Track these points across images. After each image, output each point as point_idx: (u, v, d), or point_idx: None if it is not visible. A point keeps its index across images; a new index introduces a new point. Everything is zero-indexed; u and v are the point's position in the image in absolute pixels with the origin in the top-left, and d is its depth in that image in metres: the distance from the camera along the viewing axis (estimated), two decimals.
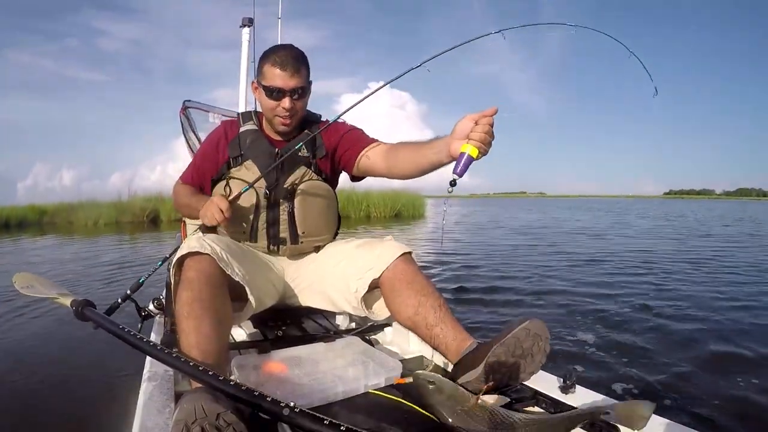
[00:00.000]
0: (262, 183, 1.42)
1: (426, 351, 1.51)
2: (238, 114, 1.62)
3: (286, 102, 1.40)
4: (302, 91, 1.42)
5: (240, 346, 1.47)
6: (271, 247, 1.47)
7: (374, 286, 1.35)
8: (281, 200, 1.44)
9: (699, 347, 2.67)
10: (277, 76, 1.37)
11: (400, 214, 17.02)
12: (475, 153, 1.05)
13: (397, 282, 1.29)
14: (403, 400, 1.12)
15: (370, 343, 1.52)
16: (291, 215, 1.45)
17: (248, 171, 1.45)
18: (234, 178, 1.45)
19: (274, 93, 1.39)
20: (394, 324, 1.58)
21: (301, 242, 1.48)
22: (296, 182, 1.45)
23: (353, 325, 1.67)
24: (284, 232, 1.46)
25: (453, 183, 1.06)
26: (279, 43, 1.48)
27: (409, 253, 1.35)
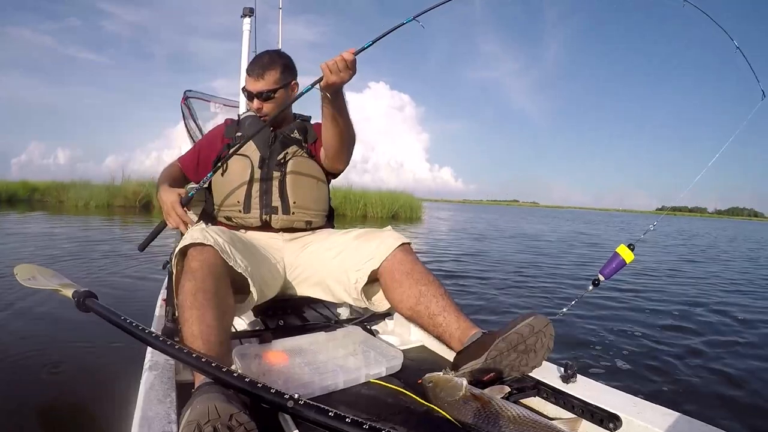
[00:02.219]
0: (257, 155, 1.55)
1: (427, 340, 1.52)
2: (239, 115, 1.73)
3: (255, 103, 1.56)
4: (268, 94, 1.55)
5: (241, 336, 1.47)
6: (264, 216, 1.53)
7: (374, 277, 1.36)
8: (273, 171, 1.54)
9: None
10: (247, 81, 1.56)
11: (397, 215, 16.78)
12: (630, 258, 0.96)
13: (396, 273, 1.30)
14: (403, 390, 1.13)
15: (371, 332, 1.53)
16: (282, 184, 1.54)
17: (245, 147, 1.54)
18: (232, 154, 1.54)
19: (247, 95, 1.58)
20: (395, 313, 1.58)
21: (293, 212, 1.55)
22: (287, 155, 1.56)
23: (354, 314, 1.67)
24: (276, 201, 1.53)
25: (596, 283, 0.96)
26: (280, 34, 1.53)
27: (408, 243, 1.36)
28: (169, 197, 1.40)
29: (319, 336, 1.41)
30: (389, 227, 1.42)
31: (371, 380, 1.19)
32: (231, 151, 1.47)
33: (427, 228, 13.12)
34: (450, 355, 1.32)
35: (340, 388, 1.15)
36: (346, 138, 1.46)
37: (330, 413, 0.66)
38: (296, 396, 0.71)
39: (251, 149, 1.55)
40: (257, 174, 1.53)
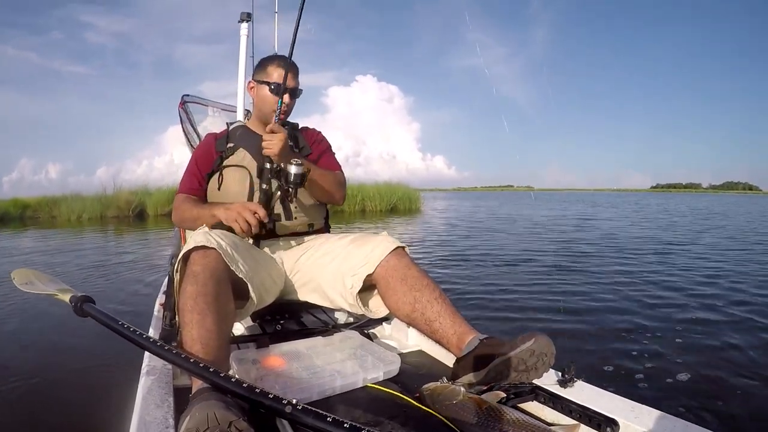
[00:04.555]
0: (254, 164, 1.53)
1: (425, 344, 1.52)
2: (227, 124, 1.72)
3: (286, 98, 1.53)
4: (300, 91, 1.59)
5: (239, 341, 1.47)
6: (267, 224, 1.49)
7: (370, 282, 1.36)
8: (273, 180, 1.51)
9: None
10: (283, 76, 1.50)
11: (396, 208, 16.65)
12: None
13: (391, 279, 1.30)
14: (401, 394, 1.13)
15: (368, 337, 1.53)
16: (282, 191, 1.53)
17: (239, 157, 1.55)
18: (227, 166, 1.55)
19: (279, 89, 1.51)
20: (393, 318, 1.58)
21: (295, 217, 1.56)
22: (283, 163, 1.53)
23: (351, 319, 1.67)
24: (278, 208, 1.53)
25: None
26: (275, 37, 1.53)
27: (403, 247, 1.36)
28: (235, 206, 1.34)
29: (317, 340, 1.41)
30: (384, 232, 1.43)
31: (369, 385, 1.19)
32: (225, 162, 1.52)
33: (427, 221, 12.78)
34: (448, 359, 1.32)
35: (338, 392, 1.15)
36: (329, 194, 1.57)
37: (328, 418, 0.66)
38: (294, 401, 0.71)
39: (247, 159, 1.54)
40: (257, 184, 1.52)
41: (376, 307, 1.40)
